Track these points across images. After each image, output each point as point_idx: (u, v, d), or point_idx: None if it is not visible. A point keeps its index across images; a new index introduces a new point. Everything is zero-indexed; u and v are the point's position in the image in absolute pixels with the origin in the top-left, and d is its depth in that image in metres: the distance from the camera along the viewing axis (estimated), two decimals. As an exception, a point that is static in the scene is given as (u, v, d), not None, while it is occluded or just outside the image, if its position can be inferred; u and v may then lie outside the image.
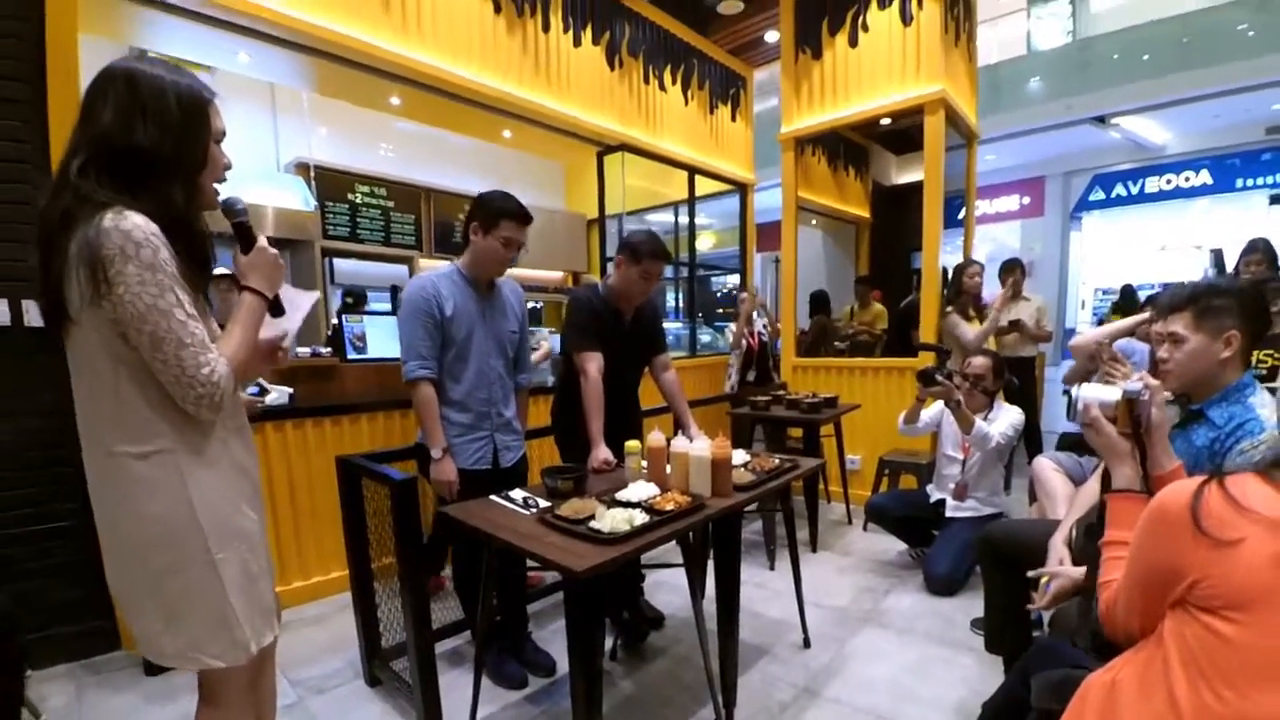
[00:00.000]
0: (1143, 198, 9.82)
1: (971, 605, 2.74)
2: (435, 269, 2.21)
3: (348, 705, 2.15)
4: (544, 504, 1.83)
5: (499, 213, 2.10)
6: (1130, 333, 2.65)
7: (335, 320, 3.59)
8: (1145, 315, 2.68)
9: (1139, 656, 0.97)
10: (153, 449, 1.08)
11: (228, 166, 1.19)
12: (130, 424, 1.07)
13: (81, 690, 2.22)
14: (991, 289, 4.67)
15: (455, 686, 2.19)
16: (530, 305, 4.02)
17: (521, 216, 2.14)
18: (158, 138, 1.05)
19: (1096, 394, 1.30)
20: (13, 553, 2.24)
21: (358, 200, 5.06)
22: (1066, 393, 1.38)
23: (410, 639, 1.92)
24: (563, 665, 2.30)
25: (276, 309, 1.27)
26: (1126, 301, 7.98)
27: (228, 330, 1.16)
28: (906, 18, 3.93)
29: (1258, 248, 3.63)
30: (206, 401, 1.06)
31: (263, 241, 1.23)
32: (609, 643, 2.42)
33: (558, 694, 2.19)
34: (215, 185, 1.18)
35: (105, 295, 0.99)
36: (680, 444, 1.95)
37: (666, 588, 2.91)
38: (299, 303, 1.43)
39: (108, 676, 2.30)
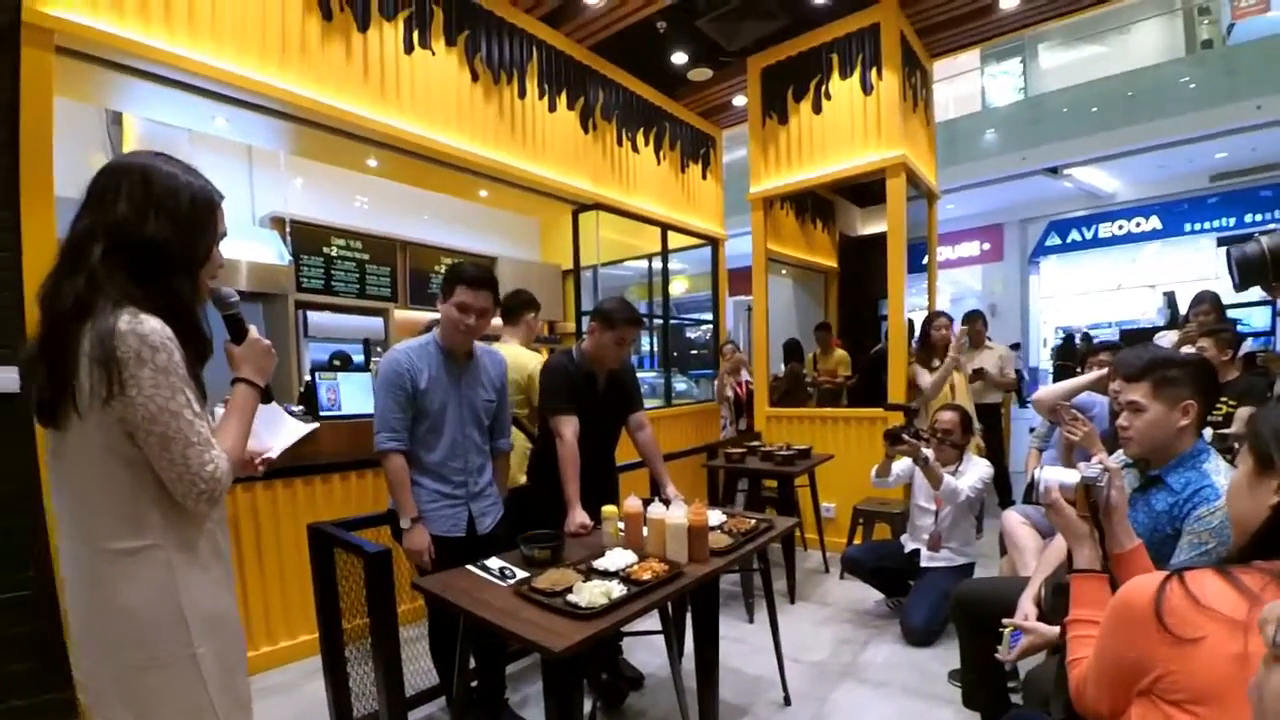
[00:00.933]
0: (1097, 242, 10.24)
1: (949, 655, 2.76)
2: (413, 340, 2.23)
3: (318, 785, 2.08)
4: (520, 574, 1.83)
5: (453, 279, 2.12)
6: (1089, 388, 2.76)
7: (309, 378, 3.56)
8: (1102, 372, 2.80)
9: None
10: (143, 544, 1.07)
11: (221, 266, 1.22)
12: (122, 519, 1.07)
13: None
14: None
15: (430, 761, 2.14)
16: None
17: (474, 280, 2.11)
18: (170, 233, 1.08)
19: (1057, 477, 1.35)
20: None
21: (333, 253, 5.07)
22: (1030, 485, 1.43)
23: (383, 714, 1.88)
24: (540, 735, 2.26)
25: (267, 396, 1.29)
26: (1065, 350, 8.29)
27: (223, 424, 1.18)
28: (867, 87, 4.15)
29: (1205, 299, 3.83)
30: (207, 497, 1.07)
31: (254, 332, 1.25)
32: (587, 705, 2.39)
33: (535, 766, 2.14)
34: (213, 278, 1.21)
35: (117, 396, 1.00)
36: (657, 510, 1.98)
37: (645, 646, 2.89)
38: (290, 433, 1.48)
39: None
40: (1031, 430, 3.42)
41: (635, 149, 4.90)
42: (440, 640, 2.27)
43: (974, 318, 4.79)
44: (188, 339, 1.09)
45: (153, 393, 1.01)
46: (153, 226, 1.07)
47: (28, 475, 2.22)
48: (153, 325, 1.02)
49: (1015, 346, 7.64)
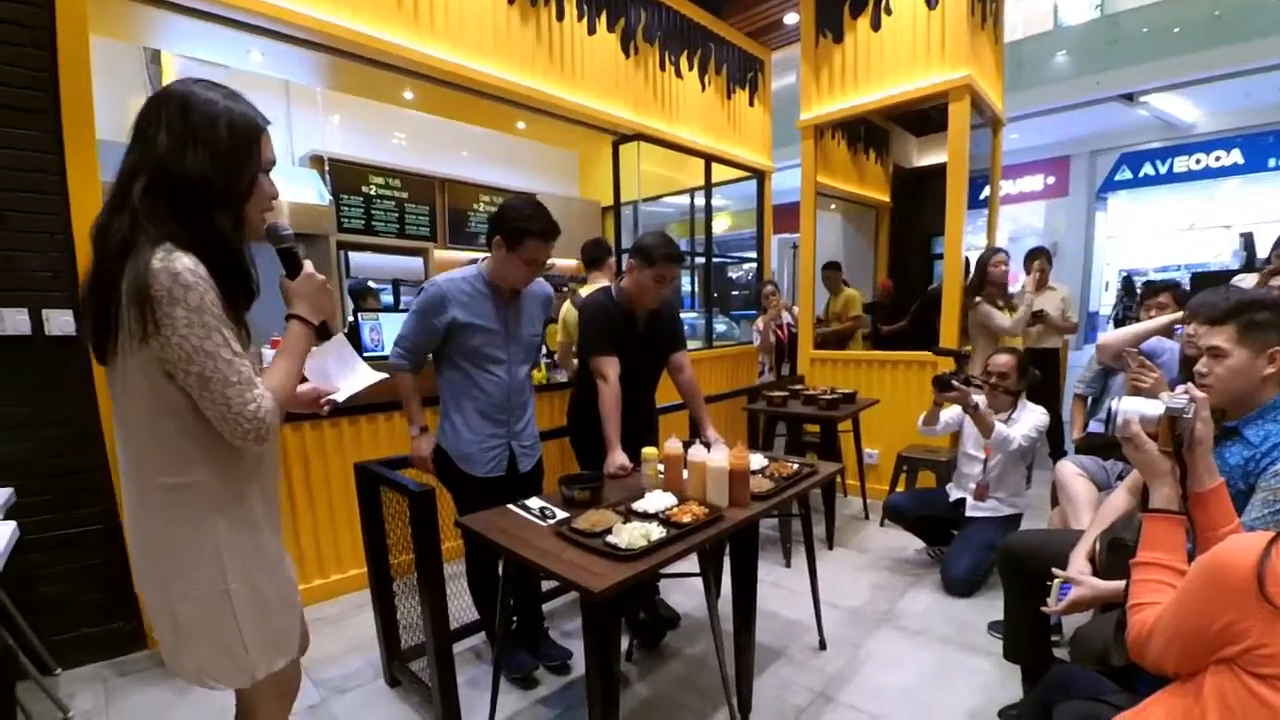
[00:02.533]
0: (1171, 177, 9.53)
1: (989, 607, 2.72)
2: (461, 271, 2.15)
3: (369, 706, 2.19)
4: (560, 514, 1.83)
5: (522, 232, 1.99)
6: (1164, 332, 2.58)
7: (350, 319, 3.59)
8: (1176, 316, 2.60)
9: (1173, 707, 0.95)
10: (189, 480, 1.10)
11: (273, 196, 1.17)
12: (168, 456, 1.09)
13: (109, 689, 2.28)
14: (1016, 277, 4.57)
15: (473, 686, 2.23)
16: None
17: (546, 234, 2.02)
18: (208, 166, 1.04)
19: (1137, 408, 1.24)
20: (35, 558, 2.29)
21: (372, 192, 5.04)
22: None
23: (429, 647, 1.94)
24: (578, 666, 2.32)
25: (325, 333, 1.27)
26: (1127, 292, 7.81)
27: (274, 361, 1.17)
28: (931, 1, 3.80)
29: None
30: (254, 435, 1.07)
31: (309, 267, 1.22)
32: (624, 644, 2.44)
33: (574, 696, 2.21)
34: (266, 211, 1.17)
35: (153, 335, 1.00)
36: (698, 453, 1.94)
37: (682, 588, 2.92)
38: (361, 378, 1.45)
39: (134, 676, 2.36)
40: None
41: (679, 74, 4.66)
42: (476, 577, 2.32)
43: (1037, 255, 4.51)
44: (228, 276, 1.07)
45: (186, 332, 1.00)
46: (191, 159, 1.03)
47: (90, 414, 2.31)
48: (185, 263, 0.99)
49: None
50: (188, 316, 0.99)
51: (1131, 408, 1.24)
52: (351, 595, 2.96)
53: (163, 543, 1.12)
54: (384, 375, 1.59)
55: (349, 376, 1.46)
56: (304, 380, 1.40)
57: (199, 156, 1.03)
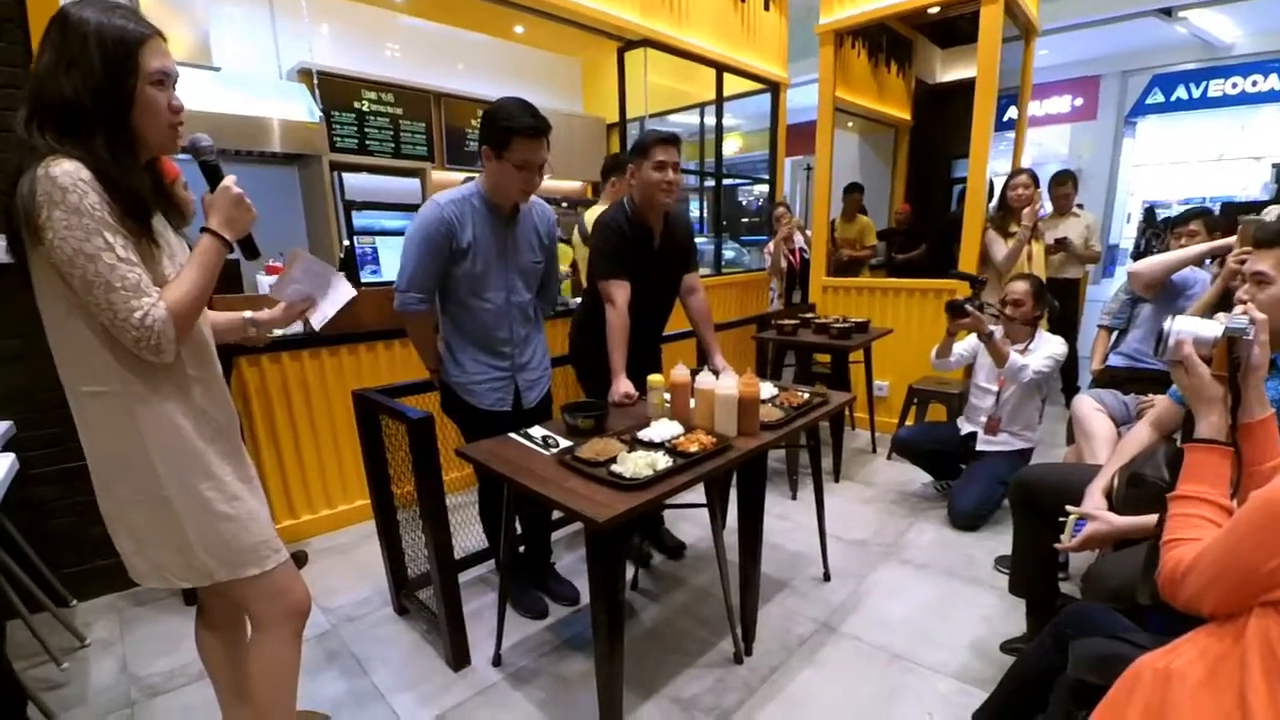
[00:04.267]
0: (1205, 102, 9.00)
1: (995, 541, 2.71)
2: (456, 190, 1.99)
3: (378, 634, 2.21)
4: (564, 443, 1.78)
5: (508, 130, 1.81)
6: (1197, 262, 2.44)
7: (347, 243, 3.46)
8: (1212, 244, 2.46)
9: (1208, 649, 0.89)
10: (104, 389, 1.12)
11: (176, 109, 1.13)
12: (83, 365, 1.11)
13: (124, 619, 2.31)
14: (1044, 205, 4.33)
15: (481, 615, 2.25)
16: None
17: (534, 129, 1.83)
18: (79, 86, 1.03)
19: (1193, 328, 1.14)
20: (42, 492, 2.28)
21: (365, 108, 4.78)
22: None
23: (434, 575, 1.94)
24: (584, 595, 2.33)
25: (250, 251, 1.28)
26: (1149, 224, 7.52)
27: (180, 272, 1.14)
28: (968, -111, 3.45)
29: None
30: (145, 345, 1.06)
31: (228, 180, 1.21)
32: (629, 573, 2.44)
33: (580, 624, 2.23)
34: (173, 125, 1.13)
35: (40, 241, 1.01)
36: (706, 380, 1.86)
37: (687, 518, 2.92)
38: (337, 295, 1.51)
39: (150, 605, 2.39)
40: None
41: (689, -28, 4.31)
42: (489, 506, 2.30)
43: (1063, 179, 4.29)
44: (117, 192, 1.05)
45: (66, 234, 0.99)
46: (64, 81, 1.03)
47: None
48: (64, 168, 0.99)
49: None
50: (65, 218, 0.99)
51: (1186, 328, 1.14)
52: (359, 525, 2.98)
53: (99, 452, 1.16)
54: (354, 293, 1.58)
55: (328, 294, 1.50)
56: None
57: (70, 77, 1.03)
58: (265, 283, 3.15)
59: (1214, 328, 1.12)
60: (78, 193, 0.99)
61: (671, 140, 2.19)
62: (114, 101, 1.06)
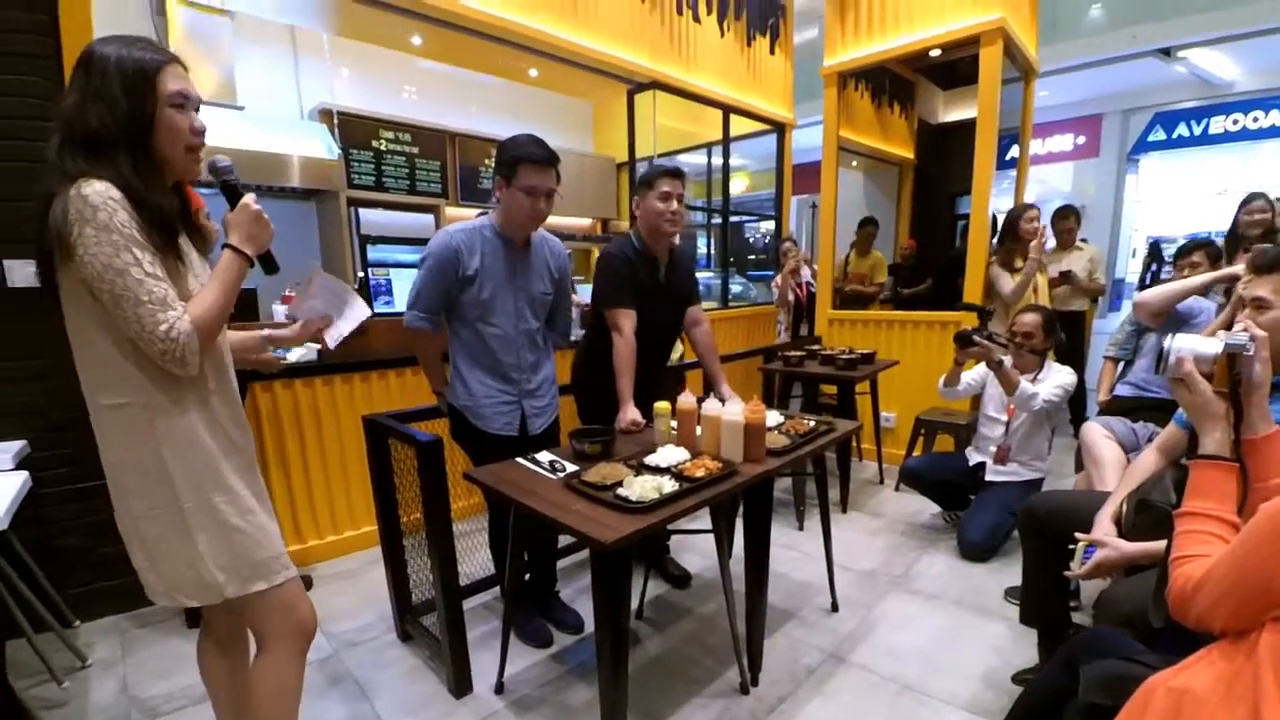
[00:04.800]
0: (1206, 139, 9.12)
1: (1005, 572, 2.67)
2: (469, 221, 2.09)
3: (381, 659, 2.19)
4: (570, 468, 1.79)
5: (516, 159, 1.92)
6: (1202, 292, 2.46)
7: (361, 274, 3.54)
8: (1216, 274, 2.48)
9: (1220, 665, 0.89)
10: (126, 401, 1.15)
11: (197, 130, 1.19)
12: (107, 378, 1.15)
13: (126, 640, 2.31)
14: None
15: (484, 641, 2.23)
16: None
17: (542, 159, 1.94)
18: (104, 116, 1.09)
19: (1193, 346, 1.16)
20: (52, 511, 2.30)
21: (382, 147, 4.93)
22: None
23: (439, 600, 1.93)
24: (589, 624, 2.31)
25: (269, 266, 1.31)
26: (1154, 258, 7.54)
27: (204, 288, 1.19)
28: (964, -62, 3.59)
29: (1260, 195, 3.34)
30: (170, 358, 1.10)
31: (248, 199, 1.25)
32: (634, 602, 2.42)
33: (584, 652, 2.20)
34: (193, 147, 1.19)
35: (70, 257, 1.05)
36: (712, 407, 1.88)
37: (693, 548, 2.90)
38: (353, 313, 1.57)
39: (153, 627, 2.39)
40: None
41: (697, 19, 4.47)
42: (498, 533, 2.30)
43: (1065, 214, 4.34)
44: (143, 211, 1.10)
45: (96, 250, 1.04)
46: (91, 113, 1.09)
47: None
48: (95, 188, 1.04)
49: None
50: (96, 235, 1.04)
51: (1187, 345, 1.16)
52: (364, 552, 2.98)
53: (117, 465, 1.18)
54: (369, 312, 1.65)
55: (344, 312, 1.55)
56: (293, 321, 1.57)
57: (96, 108, 1.09)
58: (280, 312, 3.21)
59: (1214, 344, 1.14)
60: (108, 210, 1.04)
61: (676, 173, 2.25)
62: (136, 125, 1.11)
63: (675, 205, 2.23)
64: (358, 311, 1.57)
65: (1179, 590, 0.97)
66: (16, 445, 2.17)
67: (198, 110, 1.20)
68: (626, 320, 2.24)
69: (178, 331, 1.09)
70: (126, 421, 1.16)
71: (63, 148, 1.10)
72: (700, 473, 1.67)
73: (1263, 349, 1.10)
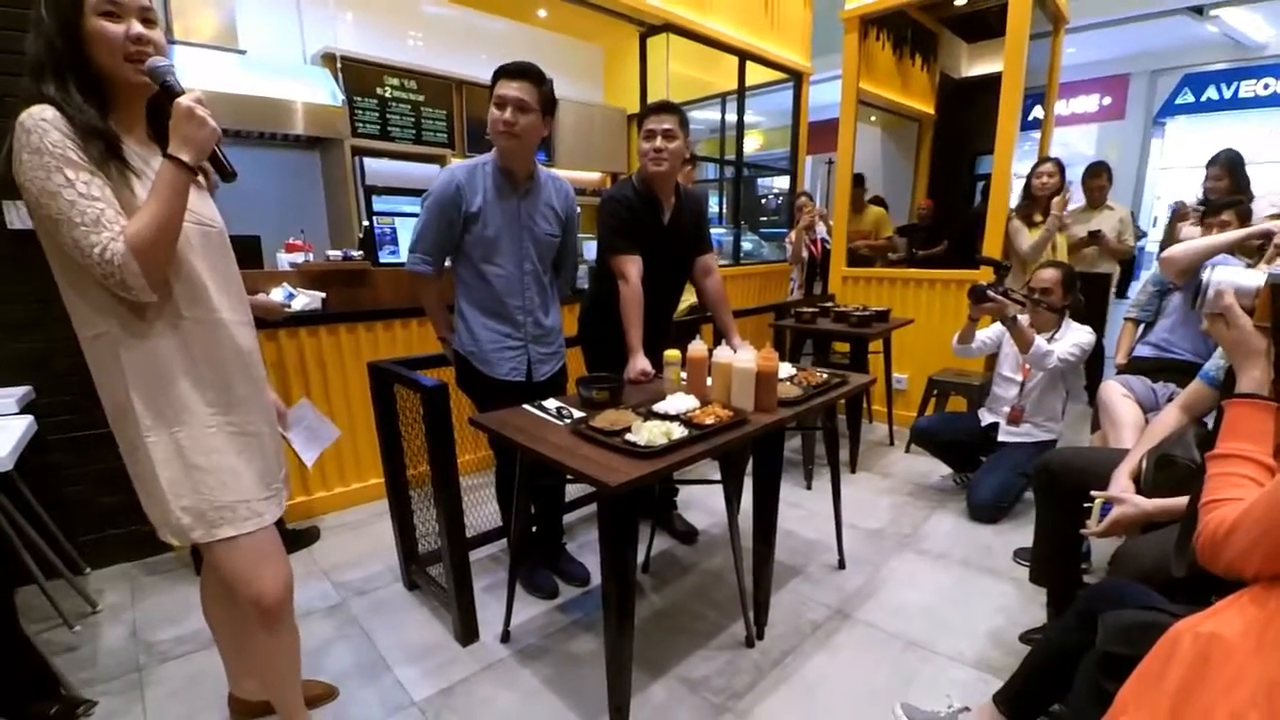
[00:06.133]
0: (1236, 103, 8.82)
1: (1014, 534, 2.65)
2: (473, 159, 2.02)
3: (388, 608, 2.20)
4: (578, 415, 1.76)
5: (494, 76, 1.90)
6: (1230, 250, 2.36)
7: (366, 222, 3.47)
8: (1249, 230, 2.38)
9: (1251, 613, 0.84)
10: (99, 331, 1.13)
11: (134, 37, 1.10)
12: (81, 309, 1.13)
13: (136, 587, 2.33)
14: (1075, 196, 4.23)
15: (491, 592, 2.23)
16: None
17: (512, 70, 1.87)
18: (37, 42, 1.07)
19: (1234, 278, 1.09)
20: (58, 459, 2.30)
21: (387, 94, 4.80)
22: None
23: (445, 548, 1.92)
24: (595, 576, 2.31)
25: (224, 172, 1.20)
26: (1174, 217, 7.35)
27: (143, 205, 1.10)
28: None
29: (1218, 161, 3.24)
30: (111, 280, 1.05)
31: (186, 100, 1.10)
32: (640, 555, 2.41)
33: (590, 604, 2.20)
34: (133, 56, 1.10)
35: (16, 185, 1.03)
36: (724, 354, 1.84)
37: (700, 505, 2.89)
38: (321, 435, 1.73)
39: (163, 575, 2.41)
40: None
41: (713, -43, 4.28)
42: (505, 484, 2.28)
43: (1097, 171, 4.18)
44: (77, 128, 1.05)
45: (31, 174, 1.01)
46: (30, 44, 1.08)
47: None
48: (31, 111, 1.02)
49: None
50: (30, 159, 1.01)
51: (1226, 278, 1.10)
52: (371, 504, 2.98)
53: (104, 399, 1.18)
54: (338, 434, 1.79)
55: (320, 437, 1.71)
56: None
57: (33, 36, 1.07)
58: (285, 260, 3.16)
59: (1256, 277, 1.08)
60: (38, 132, 1.00)
61: (665, 108, 2.16)
62: (64, 42, 1.07)
63: (659, 142, 2.13)
64: (328, 436, 1.74)
65: (1210, 534, 0.93)
66: (21, 391, 2.15)
67: (146, 21, 1.11)
68: (632, 266, 2.18)
69: (111, 253, 1.03)
70: (101, 353, 1.14)
71: (25, 81, 1.08)
72: (710, 420, 1.63)
73: None
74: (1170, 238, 3.50)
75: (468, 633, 1.99)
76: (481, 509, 2.59)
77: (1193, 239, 2.50)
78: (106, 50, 1.09)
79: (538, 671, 1.86)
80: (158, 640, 2.01)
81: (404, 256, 3.38)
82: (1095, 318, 4.09)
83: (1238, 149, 3.33)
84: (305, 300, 2.78)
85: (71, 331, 1.15)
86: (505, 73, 1.88)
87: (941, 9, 4.54)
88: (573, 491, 2.70)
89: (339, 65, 4.48)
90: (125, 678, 1.84)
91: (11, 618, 1.65)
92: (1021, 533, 2.59)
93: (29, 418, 2.04)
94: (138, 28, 1.11)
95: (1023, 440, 2.86)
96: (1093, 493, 1.60)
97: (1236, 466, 0.97)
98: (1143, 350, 2.73)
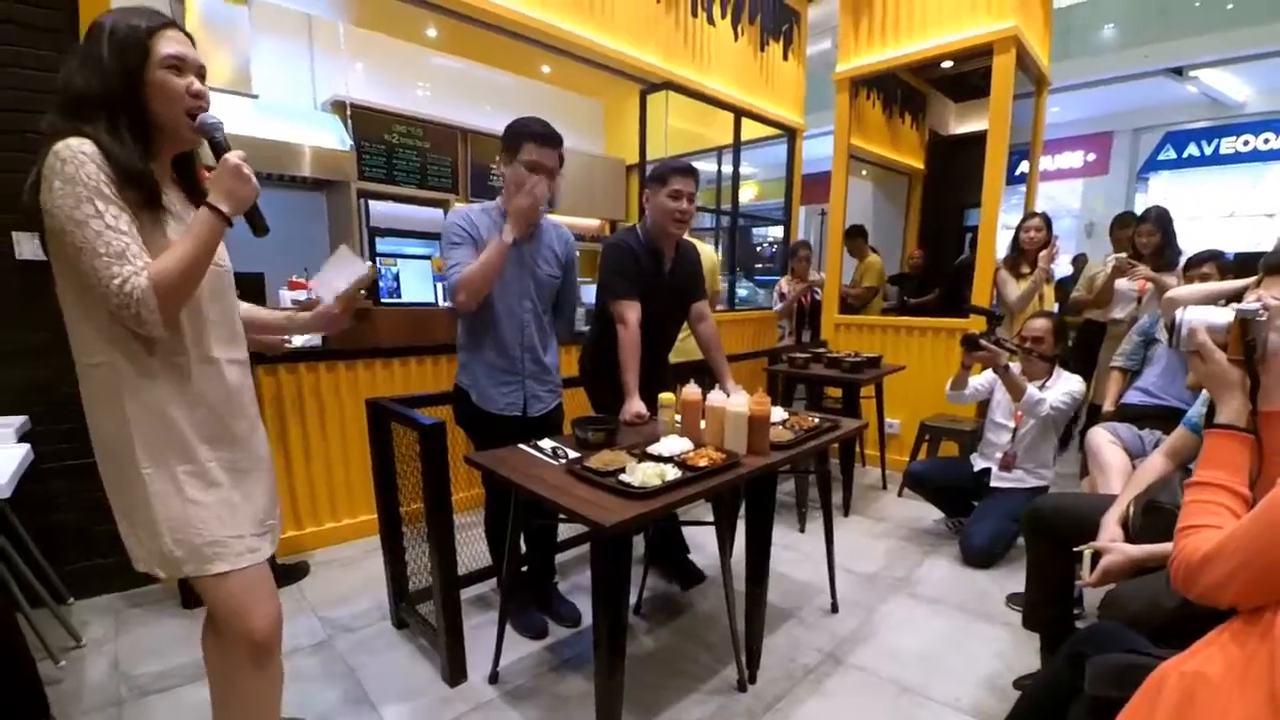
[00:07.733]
0: (1217, 159, 9.14)
1: (1008, 579, 2.65)
2: (475, 205, 2.11)
3: (375, 646, 2.17)
4: (573, 454, 1.78)
5: (519, 135, 1.97)
6: (1234, 297, 2.44)
7: (369, 262, 3.54)
8: (1249, 280, 2.46)
9: (1232, 651, 0.87)
10: (98, 360, 1.14)
11: (195, 94, 1.16)
12: (83, 336, 1.14)
13: (120, 620, 2.29)
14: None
15: (480, 632, 2.20)
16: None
17: (545, 137, 1.97)
18: (90, 77, 1.10)
19: (1205, 317, 1.17)
20: (52, 487, 2.30)
21: (394, 140, 4.94)
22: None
23: (436, 586, 1.92)
24: (586, 617, 2.29)
25: (257, 226, 1.25)
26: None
27: (173, 245, 1.12)
28: (980, -55, 3.60)
29: (1149, 218, 3.36)
30: (126, 314, 1.06)
31: (230, 154, 1.17)
32: (633, 597, 2.40)
33: (580, 645, 2.18)
34: (193, 111, 1.17)
35: (42, 210, 1.05)
36: (717, 398, 1.87)
37: (692, 546, 2.87)
38: (355, 269, 1.56)
39: (146, 608, 2.38)
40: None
41: (711, 20, 4.49)
42: (495, 523, 2.28)
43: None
44: (118, 170, 1.08)
45: (61, 201, 1.03)
46: (80, 77, 1.10)
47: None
48: (67, 142, 1.04)
49: (1079, 259, 6.77)
50: (62, 187, 1.03)
51: (1199, 316, 1.17)
52: (362, 541, 2.96)
53: (95, 427, 1.18)
54: (369, 265, 1.66)
55: (344, 271, 1.56)
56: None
57: (83, 71, 1.10)
58: (288, 297, 3.22)
59: (1226, 314, 1.15)
60: (75, 163, 1.03)
61: (689, 171, 2.25)
62: (123, 85, 1.10)
63: (685, 204, 2.24)
64: (357, 269, 1.56)
65: (1184, 559, 0.95)
66: (19, 420, 2.16)
67: (202, 77, 1.18)
68: (631, 311, 2.23)
69: (132, 286, 1.04)
70: (100, 381, 1.14)
71: (54, 113, 1.10)
72: (703, 462, 1.66)
73: (1276, 317, 1.09)
74: (1103, 289, 3.62)
75: (456, 673, 1.96)
76: (472, 547, 2.57)
77: (1129, 291, 2.55)
78: (167, 102, 1.14)
79: (526, 713, 1.84)
80: (139, 674, 1.98)
81: (406, 297, 3.47)
82: (1091, 365, 4.08)
83: (1176, 205, 3.51)
84: (305, 336, 2.82)
85: (70, 362, 1.16)
86: (536, 137, 1.96)
87: (929, 71, 4.75)
88: (565, 531, 2.69)
89: (348, 112, 4.63)
90: (104, 711, 1.81)
91: (17, 635, 1.64)
92: (1015, 578, 2.58)
93: (25, 447, 2.05)
94: (197, 84, 1.17)
95: (1015, 486, 2.88)
96: (1082, 546, 1.61)
97: (1212, 495, 1.00)
98: (1131, 397, 2.79)
